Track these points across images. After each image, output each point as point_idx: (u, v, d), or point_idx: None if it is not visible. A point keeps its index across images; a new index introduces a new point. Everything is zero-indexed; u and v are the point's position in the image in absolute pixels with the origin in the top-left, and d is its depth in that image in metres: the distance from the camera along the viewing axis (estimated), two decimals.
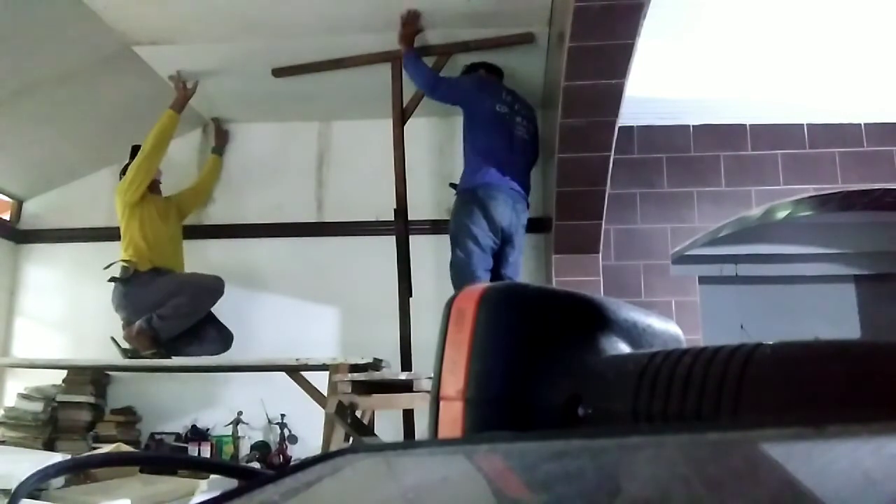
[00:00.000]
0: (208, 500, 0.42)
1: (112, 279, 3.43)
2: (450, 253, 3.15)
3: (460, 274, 3.04)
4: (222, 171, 4.17)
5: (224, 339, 3.57)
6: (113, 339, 3.45)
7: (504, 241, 3.13)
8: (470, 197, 3.09)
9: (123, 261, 3.45)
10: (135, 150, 3.55)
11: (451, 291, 0.66)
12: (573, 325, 0.51)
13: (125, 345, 3.42)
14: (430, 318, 3.21)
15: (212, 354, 3.54)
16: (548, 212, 3.59)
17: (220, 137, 4.18)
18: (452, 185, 3.33)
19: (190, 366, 3.41)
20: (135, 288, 3.40)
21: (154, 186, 3.67)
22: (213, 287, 3.46)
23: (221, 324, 3.58)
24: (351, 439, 2.69)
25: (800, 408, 0.33)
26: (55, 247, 4.23)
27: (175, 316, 3.35)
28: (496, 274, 3.15)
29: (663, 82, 3.63)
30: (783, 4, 3.06)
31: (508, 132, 3.20)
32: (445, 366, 0.51)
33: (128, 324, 3.41)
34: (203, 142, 4.26)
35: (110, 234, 3.75)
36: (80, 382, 3.72)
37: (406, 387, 2.61)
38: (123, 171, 3.60)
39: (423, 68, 3.22)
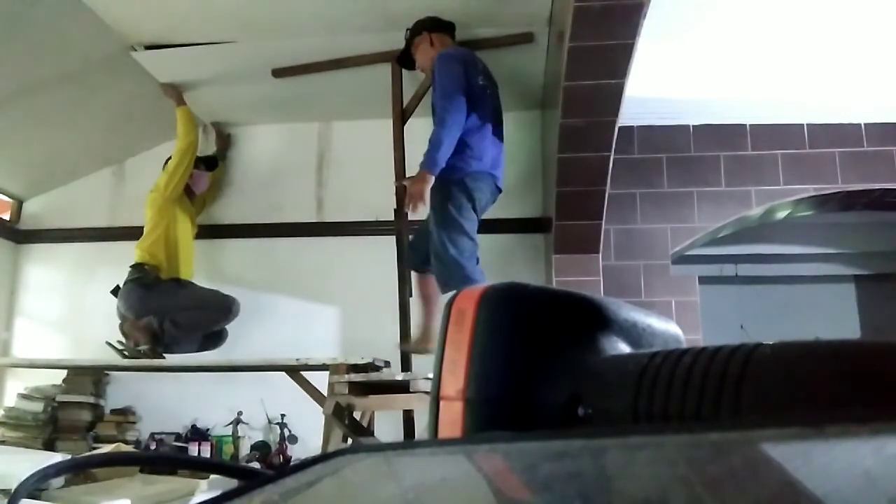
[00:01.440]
0: (208, 500, 0.42)
1: (130, 280, 3.43)
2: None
3: (454, 274, 2.80)
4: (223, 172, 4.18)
5: (218, 334, 3.62)
6: (108, 343, 3.43)
7: None
8: (458, 186, 2.88)
9: (144, 264, 3.46)
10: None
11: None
12: (573, 325, 0.51)
13: (121, 346, 3.41)
14: None
15: (206, 350, 3.57)
16: (548, 212, 3.59)
17: (221, 142, 4.19)
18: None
19: (190, 366, 3.41)
20: (155, 293, 3.43)
21: (189, 190, 3.75)
22: (231, 309, 3.53)
23: None
24: (349, 440, 2.69)
25: (800, 408, 0.33)
26: (55, 247, 4.23)
27: (189, 327, 3.44)
28: None
29: (663, 82, 3.63)
30: (783, 4, 3.06)
31: (491, 107, 3.01)
32: (445, 366, 0.51)
33: (137, 317, 3.40)
34: (203, 141, 4.25)
35: (110, 234, 3.75)
36: (80, 382, 3.72)
37: (403, 387, 2.60)
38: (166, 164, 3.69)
39: (441, 126, 2.78)
